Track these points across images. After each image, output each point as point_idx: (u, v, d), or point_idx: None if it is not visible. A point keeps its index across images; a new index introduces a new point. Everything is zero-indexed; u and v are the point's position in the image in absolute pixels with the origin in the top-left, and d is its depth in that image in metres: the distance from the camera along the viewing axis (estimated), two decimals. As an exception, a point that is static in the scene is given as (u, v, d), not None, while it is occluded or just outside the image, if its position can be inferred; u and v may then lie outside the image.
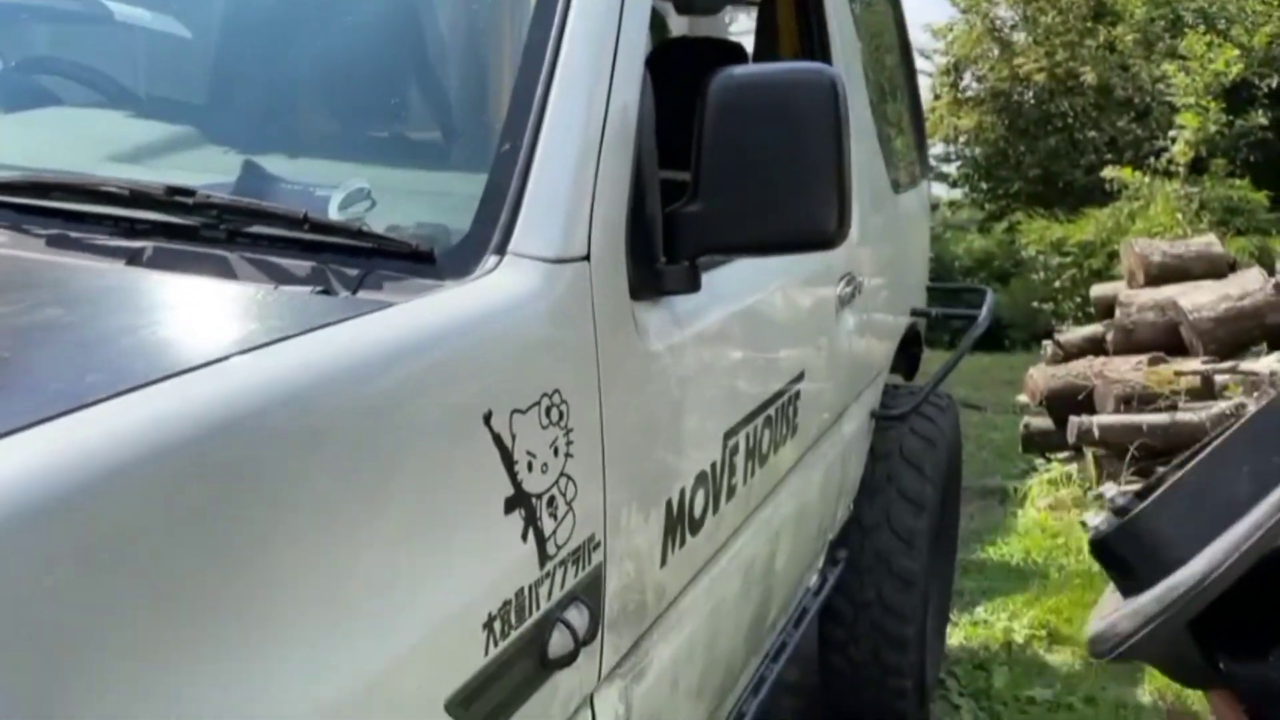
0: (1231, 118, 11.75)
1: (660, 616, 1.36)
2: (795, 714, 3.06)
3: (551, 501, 1.04)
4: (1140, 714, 3.08)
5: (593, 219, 1.13)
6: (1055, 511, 4.56)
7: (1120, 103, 13.57)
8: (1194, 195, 10.92)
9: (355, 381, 0.85)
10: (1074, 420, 4.47)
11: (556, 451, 1.05)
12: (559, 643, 1.05)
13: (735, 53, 2.37)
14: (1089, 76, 13.74)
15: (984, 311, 2.99)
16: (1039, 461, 5.12)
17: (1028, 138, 14.01)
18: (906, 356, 3.17)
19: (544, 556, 1.03)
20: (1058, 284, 10.89)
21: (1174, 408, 4.14)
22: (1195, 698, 2.91)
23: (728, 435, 1.52)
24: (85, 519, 0.64)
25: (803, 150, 1.21)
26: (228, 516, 0.72)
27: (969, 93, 14.88)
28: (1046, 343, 5.64)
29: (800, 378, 1.88)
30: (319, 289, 0.99)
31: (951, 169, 14.24)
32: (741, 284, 1.59)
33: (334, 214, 1.13)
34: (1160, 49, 13.36)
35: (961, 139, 14.65)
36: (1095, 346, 5.13)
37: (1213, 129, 11.49)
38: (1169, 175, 11.48)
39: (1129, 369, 4.57)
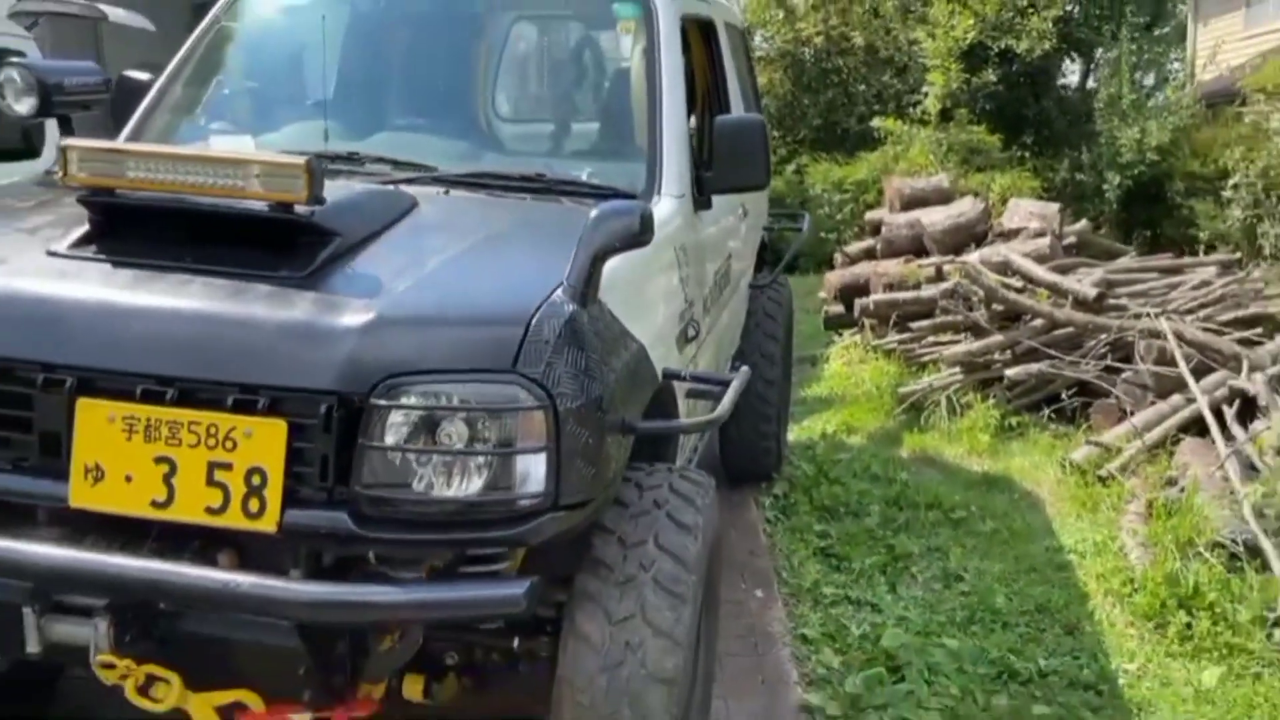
0: (969, 76, 14.10)
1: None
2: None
3: (685, 282, 2.88)
4: (901, 460, 5.23)
5: (684, 180, 2.98)
6: (848, 365, 6.74)
7: (884, 61, 15.43)
8: (943, 140, 13.29)
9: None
10: (858, 302, 6.65)
11: (683, 266, 2.89)
12: (689, 338, 2.90)
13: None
14: (858, 39, 15.43)
15: (806, 224, 5.03)
16: (835, 336, 7.30)
17: (810, 92, 15.54)
18: (760, 258, 5.15)
19: (685, 311, 2.86)
20: (839, 216, 12.61)
21: (918, 287, 6.35)
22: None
23: (715, 272, 3.40)
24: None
25: (753, 151, 3.08)
26: (640, 280, 2.52)
27: (759, 53, 16.10)
28: (837, 255, 7.80)
29: (731, 256, 3.79)
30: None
31: (749, 120, 16.05)
32: (719, 210, 3.46)
33: (583, 177, 2.92)
34: (915, 14, 15.48)
35: (756, 94, 16.38)
36: (869, 254, 7.34)
37: (955, 85, 13.90)
38: (924, 123, 13.84)
39: (891, 267, 6.75)
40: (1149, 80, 15.87)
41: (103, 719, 2.47)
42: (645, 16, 3.18)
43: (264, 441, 1.93)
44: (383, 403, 1.93)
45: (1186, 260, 6.97)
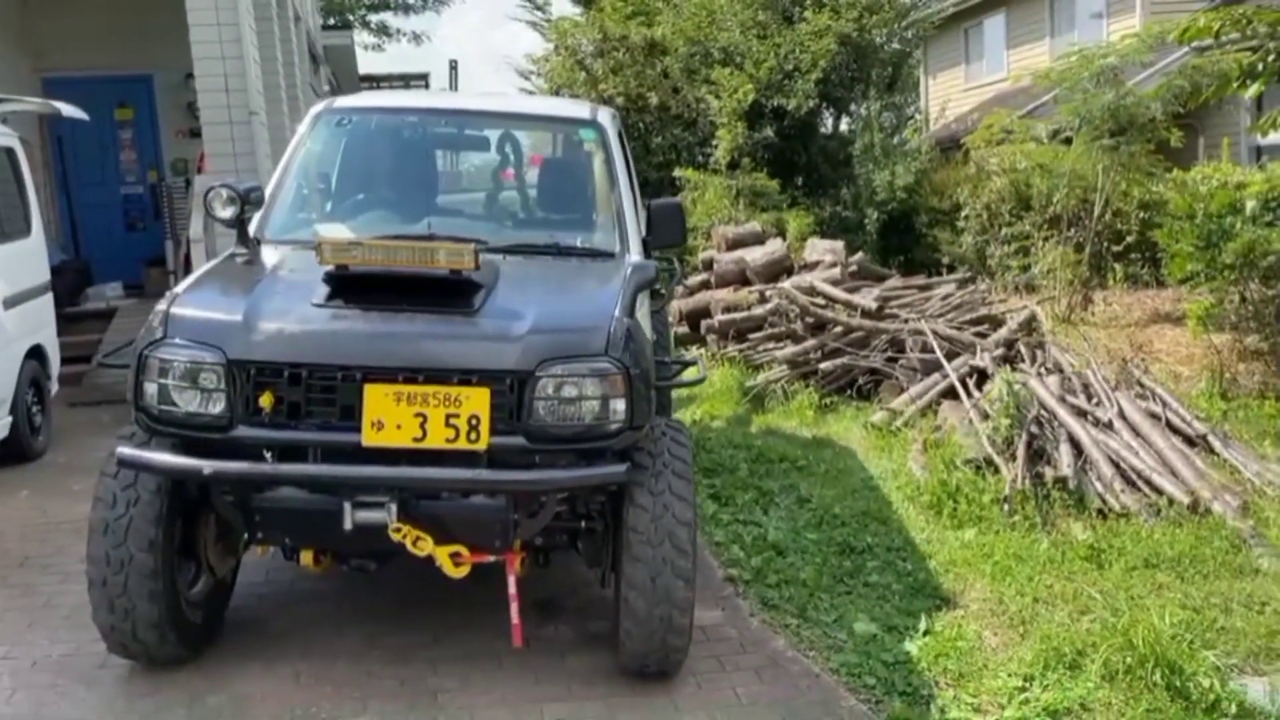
0: (751, 131, 16.43)
1: None
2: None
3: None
4: (753, 434, 7.12)
5: (639, 243, 4.71)
6: (696, 372, 8.65)
7: (675, 117, 17.55)
8: (732, 185, 15.51)
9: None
10: (704, 322, 8.59)
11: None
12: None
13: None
14: (653, 98, 17.43)
15: (678, 265, 6.88)
16: (684, 351, 9.20)
17: (615, 146, 17.56)
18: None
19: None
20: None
21: (749, 309, 8.35)
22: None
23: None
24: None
25: (675, 222, 4.86)
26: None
27: (566, 112, 17.55)
28: (679, 287, 9.74)
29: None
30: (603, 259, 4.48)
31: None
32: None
33: (578, 244, 4.61)
34: (700, 76, 17.71)
35: (566, 149, 18.11)
36: (705, 285, 9.32)
37: (740, 140, 16.21)
38: (715, 171, 16.05)
39: (725, 294, 8.73)
40: (893, 127, 18.63)
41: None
42: (600, 137, 4.94)
43: (477, 400, 3.52)
44: (541, 375, 3.57)
45: (934, 280, 9.30)
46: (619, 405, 3.63)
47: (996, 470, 5.77)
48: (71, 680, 4.00)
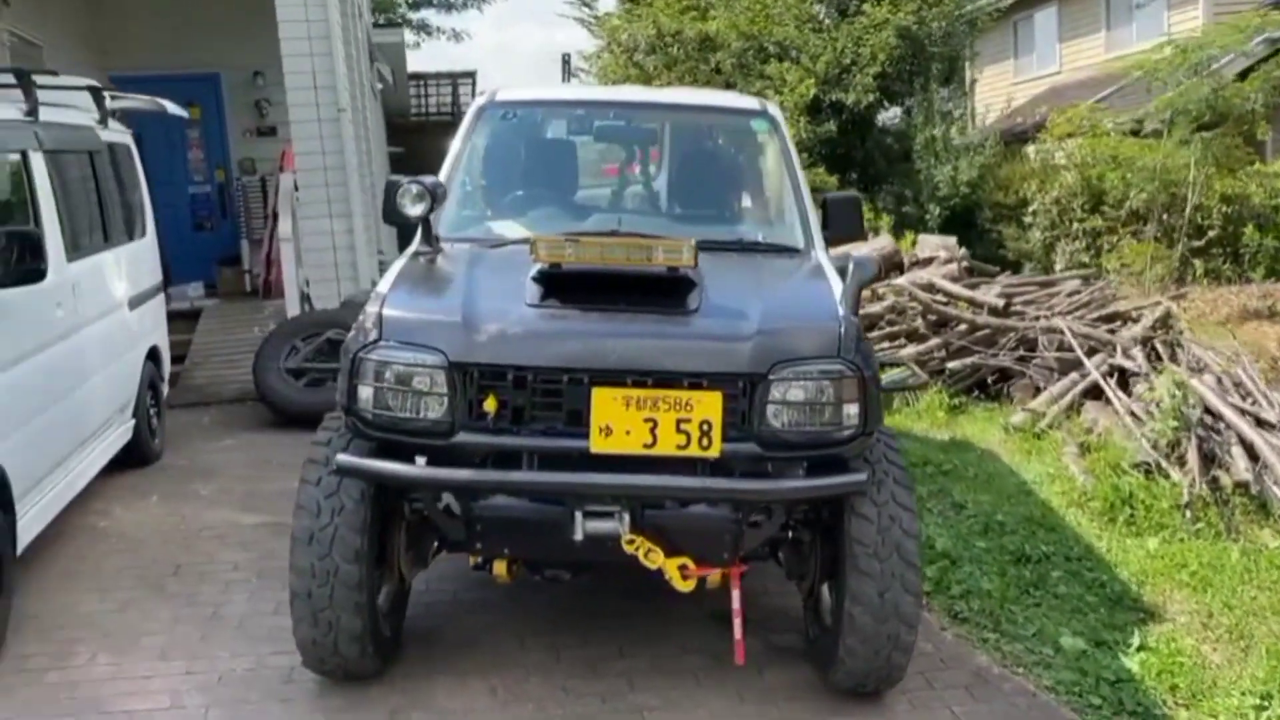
0: (815, 127, 16.23)
1: None
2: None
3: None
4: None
5: (822, 239, 4.49)
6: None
7: None
8: (793, 182, 15.19)
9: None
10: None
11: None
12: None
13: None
14: None
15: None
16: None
17: (672, 145, 17.42)
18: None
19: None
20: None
21: (863, 306, 8.14)
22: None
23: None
24: None
25: (854, 216, 4.66)
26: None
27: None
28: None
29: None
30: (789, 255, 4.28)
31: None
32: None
33: (763, 239, 4.41)
34: (754, 71, 17.55)
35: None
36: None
37: (803, 134, 15.99)
38: (776, 168, 15.69)
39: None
40: (951, 121, 18.39)
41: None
42: (772, 127, 4.74)
43: (709, 404, 3.33)
44: (774, 378, 3.38)
45: (1056, 276, 9.06)
46: (852, 410, 3.44)
47: (1165, 475, 5.55)
48: (263, 696, 3.85)
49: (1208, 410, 5.74)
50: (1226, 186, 12.49)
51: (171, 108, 7.71)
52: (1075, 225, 13.82)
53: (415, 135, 21.02)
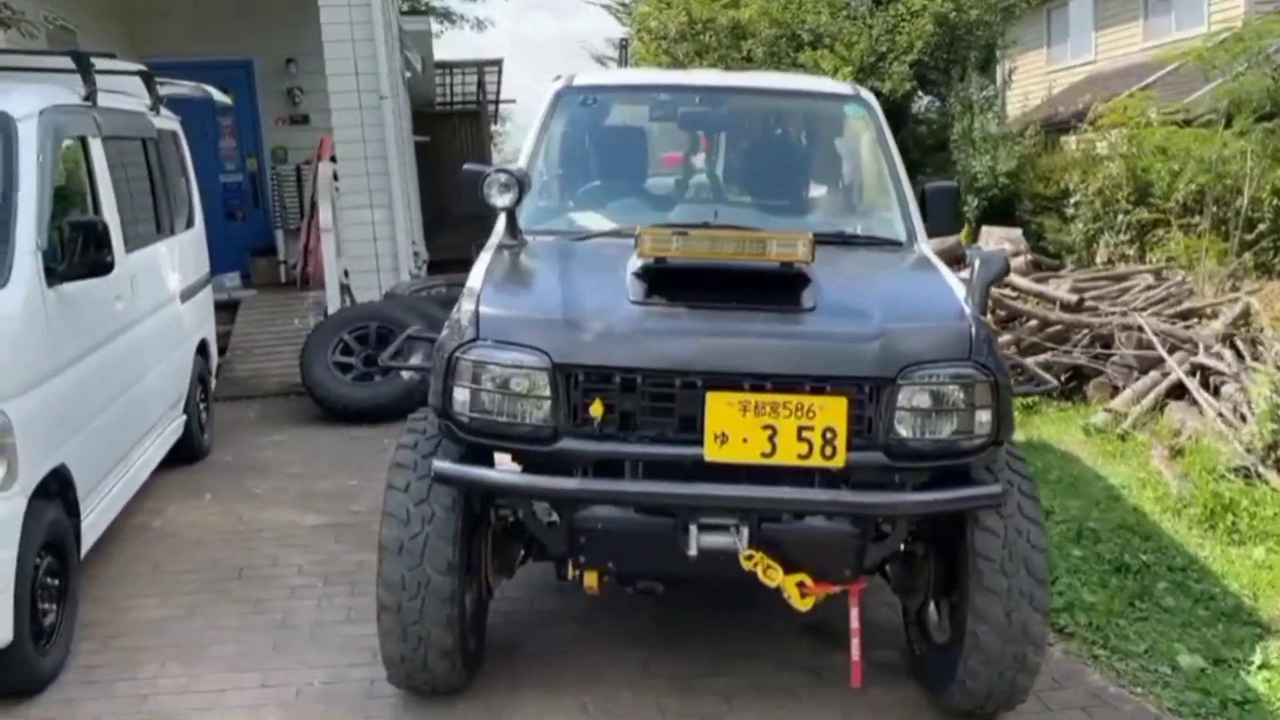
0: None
1: None
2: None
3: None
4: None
5: (923, 231, 4.25)
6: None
7: None
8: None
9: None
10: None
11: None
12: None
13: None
14: None
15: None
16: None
17: (702, 132, 17.19)
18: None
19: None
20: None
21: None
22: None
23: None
24: None
25: (951, 208, 4.42)
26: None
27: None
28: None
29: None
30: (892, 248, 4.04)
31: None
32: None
33: (863, 231, 4.17)
34: (786, 59, 17.24)
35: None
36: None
37: (841, 124, 15.60)
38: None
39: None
40: (986, 115, 18.08)
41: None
42: (869, 114, 4.50)
43: (832, 411, 3.10)
44: (902, 382, 3.14)
45: (1128, 270, 8.78)
46: (984, 416, 3.20)
47: (1264, 480, 5.30)
48: (346, 711, 3.65)
49: (1305, 413, 5.49)
50: (1276, 179, 12.16)
51: (216, 94, 7.52)
52: (1120, 217, 13.52)
53: (441, 123, 20.77)
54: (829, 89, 4.82)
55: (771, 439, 3.09)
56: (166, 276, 5.73)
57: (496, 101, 21.32)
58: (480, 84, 22.54)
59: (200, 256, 6.66)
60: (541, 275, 3.65)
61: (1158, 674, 3.95)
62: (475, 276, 3.57)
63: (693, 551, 3.14)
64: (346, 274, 9.50)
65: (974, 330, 3.26)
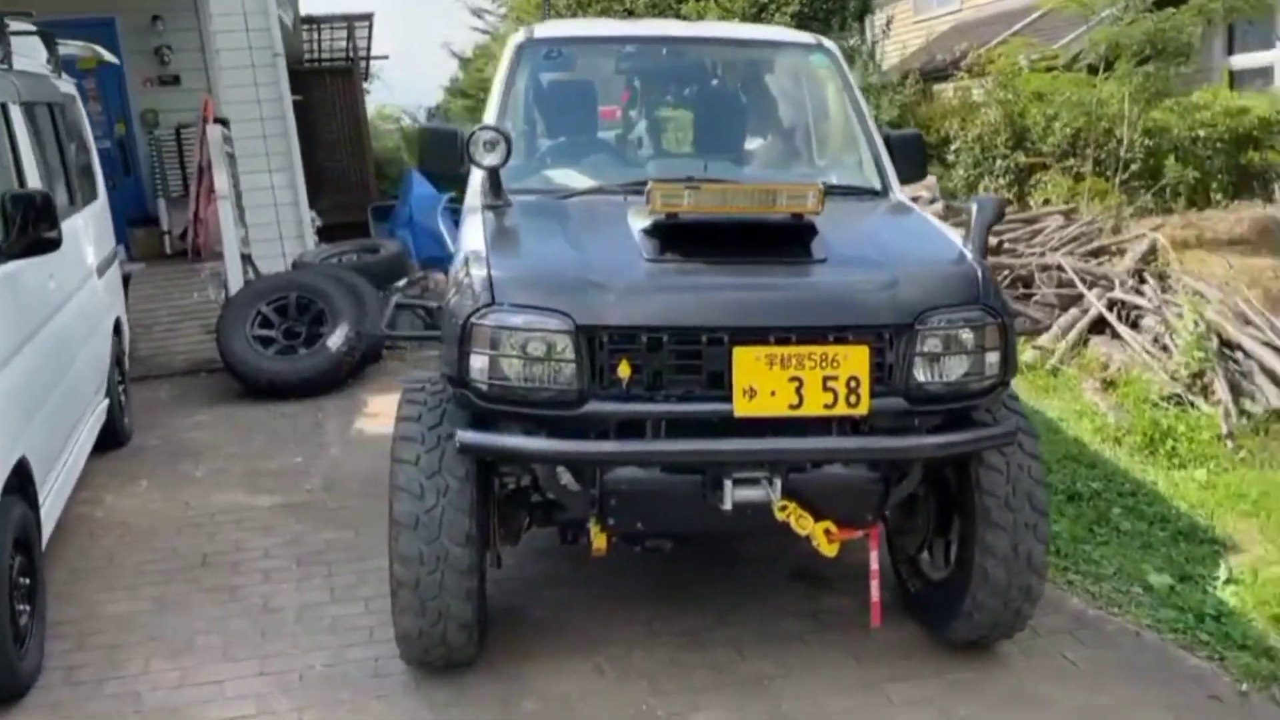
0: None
1: None
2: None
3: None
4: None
5: (895, 177, 4.30)
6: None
7: None
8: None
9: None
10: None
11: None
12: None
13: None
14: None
15: None
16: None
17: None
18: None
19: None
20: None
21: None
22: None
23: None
24: None
25: (918, 155, 4.49)
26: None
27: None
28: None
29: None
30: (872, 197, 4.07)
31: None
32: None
33: (841, 181, 4.19)
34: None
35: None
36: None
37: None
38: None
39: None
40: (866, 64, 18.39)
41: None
42: (833, 63, 4.51)
43: (855, 360, 3.12)
44: (920, 328, 3.19)
45: (1039, 212, 9.09)
46: (993, 358, 3.28)
47: (1193, 406, 5.60)
48: (356, 693, 3.54)
49: (1223, 341, 5.81)
50: (1149, 120, 12.77)
51: (107, 55, 7.05)
52: (999, 162, 13.99)
53: (313, 81, 19.97)
54: (793, 39, 4.80)
55: (799, 391, 3.10)
56: (84, 252, 5.37)
57: (368, 58, 20.57)
58: (350, 39, 21.73)
59: (107, 229, 6.26)
60: (545, 236, 3.55)
61: (1130, 594, 4.16)
62: (473, 239, 3.45)
63: (727, 506, 3.14)
64: (244, 242, 9.09)
65: (981, 273, 3.33)
